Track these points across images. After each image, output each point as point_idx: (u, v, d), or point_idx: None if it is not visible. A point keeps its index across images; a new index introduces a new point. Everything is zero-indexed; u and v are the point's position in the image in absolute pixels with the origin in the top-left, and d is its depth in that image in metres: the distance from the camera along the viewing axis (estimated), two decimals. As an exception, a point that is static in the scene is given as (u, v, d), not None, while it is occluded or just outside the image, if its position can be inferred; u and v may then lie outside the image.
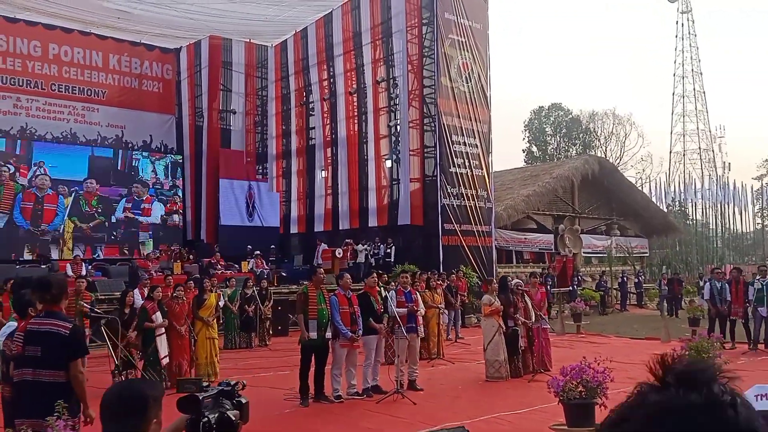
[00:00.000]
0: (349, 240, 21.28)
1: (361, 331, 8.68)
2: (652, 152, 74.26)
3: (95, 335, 10.98)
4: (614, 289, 24.45)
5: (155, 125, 26.15)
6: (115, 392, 2.39)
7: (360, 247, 20.45)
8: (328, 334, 8.44)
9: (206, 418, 2.53)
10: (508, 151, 69.76)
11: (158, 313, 9.41)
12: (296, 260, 22.16)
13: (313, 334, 8.34)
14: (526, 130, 52.59)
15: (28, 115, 23.26)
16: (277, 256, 22.43)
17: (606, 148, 49.95)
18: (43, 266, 18.29)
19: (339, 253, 19.70)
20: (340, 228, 23.37)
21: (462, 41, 21.60)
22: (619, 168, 43.79)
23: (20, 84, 23.14)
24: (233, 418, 2.60)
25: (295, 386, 8.51)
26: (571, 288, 21.85)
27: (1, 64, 22.63)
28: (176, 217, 25.25)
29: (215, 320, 10.62)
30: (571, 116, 51.25)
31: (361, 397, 8.72)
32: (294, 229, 25.82)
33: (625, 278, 24.41)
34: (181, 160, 25.97)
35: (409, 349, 9.36)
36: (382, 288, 10.08)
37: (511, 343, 10.33)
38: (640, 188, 33.71)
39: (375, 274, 9.71)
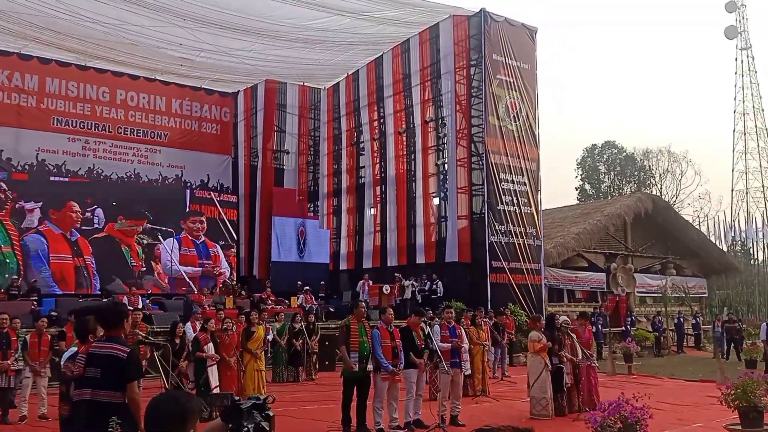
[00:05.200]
0: (397, 274, 21.46)
1: (402, 365, 8.82)
2: (711, 190, 72.15)
3: (150, 366, 11.41)
4: (670, 330, 23.74)
5: (213, 165, 27.27)
6: (159, 401, 2.64)
7: (407, 282, 20.60)
8: (370, 367, 8.62)
9: (246, 428, 2.81)
10: (560, 189, 69.08)
11: (210, 344, 9.80)
12: (345, 296, 22.43)
13: (354, 366, 8.54)
14: (579, 168, 52.11)
15: (96, 157, 24.62)
16: (327, 292, 22.77)
17: (661, 185, 48.92)
18: (104, 300, 19.07)
19: (386, 290, 19.91)
20: (388, 264, 23.60)
21: (510, 81, 21.89)
22: (675, 206, 42.82)
23: (89, 127, 24.61)
24: (267, 428, 2.87)
25: (338, 419, 8.68)
26: (624, 328, 21.35)
27: (71, 108, 24.19)
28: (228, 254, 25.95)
29: (263, 353, 10.94)
30: (625, 154, 50.54)
31: (403, 430, 8.82)
32: (343, 266, 26.20)
33: (681, 319, 23.71)
34: (235, 199, 26.85)
35: (452, 385, 9.43)
36: (424, 324, 10.21)
37: (556, 381, 10.29)
38: (697, 227, 32.82)
39: (419, 312, 9.86)
